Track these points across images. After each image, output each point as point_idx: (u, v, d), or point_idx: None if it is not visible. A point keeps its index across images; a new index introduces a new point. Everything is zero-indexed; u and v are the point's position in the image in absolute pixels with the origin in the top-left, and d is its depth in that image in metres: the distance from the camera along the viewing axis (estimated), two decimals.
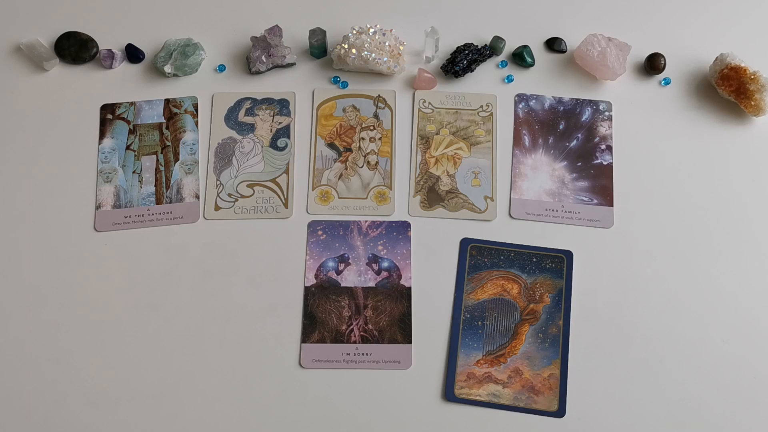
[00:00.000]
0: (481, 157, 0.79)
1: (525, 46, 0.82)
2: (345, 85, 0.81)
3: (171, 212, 0.76)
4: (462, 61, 0.80)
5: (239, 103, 0.81)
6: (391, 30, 0.80)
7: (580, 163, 0.78)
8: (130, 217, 0.76)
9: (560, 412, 0.69)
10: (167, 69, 0.80)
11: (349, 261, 0.74)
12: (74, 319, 0.72)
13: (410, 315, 0.72)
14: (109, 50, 0.82)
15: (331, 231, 0.75)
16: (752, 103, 0.77)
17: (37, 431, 0.68)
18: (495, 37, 0.82)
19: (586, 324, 0.72)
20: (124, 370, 0.70)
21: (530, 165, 0.78)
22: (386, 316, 0.72)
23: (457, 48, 0.81)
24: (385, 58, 0.79)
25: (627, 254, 0.74)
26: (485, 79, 0.82)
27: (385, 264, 0.74)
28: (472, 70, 0.81)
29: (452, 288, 0.73)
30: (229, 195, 0.77)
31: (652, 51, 0.82)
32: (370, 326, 0.72)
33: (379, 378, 0.70)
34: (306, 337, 0.71)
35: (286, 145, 0.79)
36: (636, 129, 0.80)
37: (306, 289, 0.73)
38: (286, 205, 0.76)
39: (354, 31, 0.80)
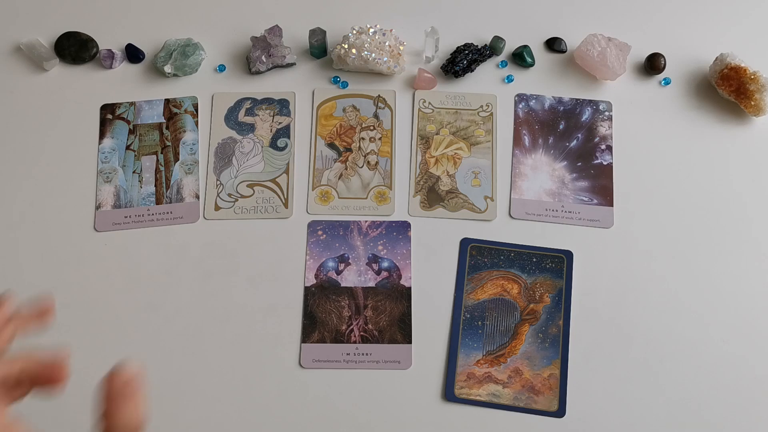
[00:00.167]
0: (481, 157, 0.79)
1: (525, 46, 0.82)
2: (345, 85, 0.81)
3: (171, 212, 0.76)
4: (462, 61, 0.80)
5: (239, 103, 0.80)
6: (391, 30, 0.80)
7: (580, 163, 0.78)
8: (130, 217, 0.76)
9: (560, 412, 0.69)
10: (167, 69, 0.80)
11: (349, 261, 0.74)
12: (74, 319, 0.72)
13: (410, 315, 0.72)
14: (109, 50, 0.82)
15: (331, 231, 0.75)
16: (752, 103, 0.77)
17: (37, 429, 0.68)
18: (495, 37, 0.82)
19: (586, 324, 0.72)
20: None
21: (530, 165, 0.78)
22: (386, 316, 0.72)
23: (457, 48, 0.81)
24: (385, 58, 0.79)
25: (627, 254, 0.74)
26: (485, 79, 0.82)
27: (385, 264, 0.74)
28: (472, 70, 0.81)
29: (452, 288, 0.73)
30: (229, 195, 0.77)
31: (652, 51, 0.82)
32: (370, 326, 0.72)
33: (379, 378, 0.70)
34: (306, 337, 0.71)
35: (286, 145, 0.79)
36: (636, 129, 0.80)
37: (306, 289, 0.73)
38: (286, 205, 0.76)
39: (354, 31, 0.80)
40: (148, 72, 0.82)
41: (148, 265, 0.74)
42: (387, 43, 0.79)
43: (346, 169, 0.78)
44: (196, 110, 0.80)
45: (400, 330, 0.72)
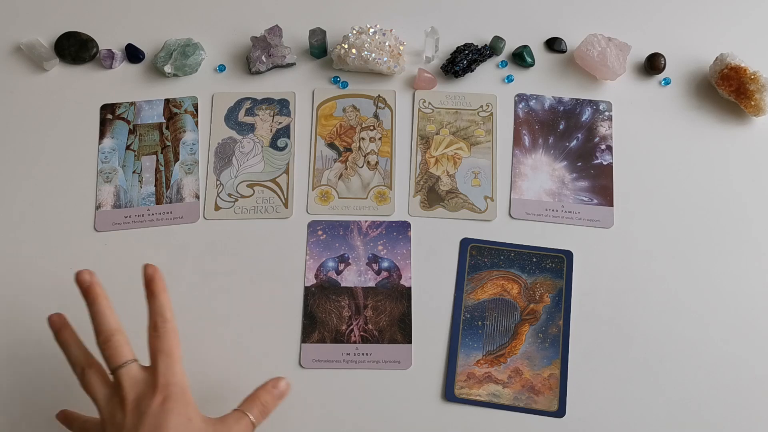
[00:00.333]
0: (481, 157, 0.79)
1: (525, 46, 0.82)
2: (345, 85, 0.81)
3: (171, 212, 0.76)
4: (462, 61, 0.80)
5: (239, 103, 0.81)
6: (391, 30, 0.80)
7: (580, 163, 0.78)
8: (130, 217, 0.76)
9: (560, 412, 0.69)
10: (167, 69, 0.80)
11: (349, 261, 0.74)
12: (74, 319, 0.71)
13: (410, 315, 0.72)
14: (109, 50, 0.82)
15: (331, 231, 0.75)
16: (752, 103, 0.77)
17: (38, 429, 0.68)
18: (495, 37, 0.82)
19: (586, 324, 0.72)
20: None
21: (530, 165, 0.78)
22: (386, 316, 0.72)
23: (457, 48, 0.81)
24: (385, 58, 0.79)
25: (627, 254, 0.74)
26: (485, 79, 0.82)
27: (385, 264, 0.74)
28: (472, 70, 0.81)
29: (452, 288, 0.73)
30: (229, 195, 0.77)
31: (652, 51, 0.82)
32: (370, 326, 0.72)
33: (379, 378, 0.70)
34: (306, 337, 0.71)
35: (286, 145, 0.79)
36: (636, 129, 0.80)
37: (306, 289, 0.73)
38: (286, 205, 0.76)
39: (354, 31, 0.80)
40: (148, 72, 0.82)
41: None
42: (387, 43, 0.79)
43: (346, 169, 0.78)
44: (196, 110, 0.80)
45: (400, 330, 0.72)
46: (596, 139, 0.79)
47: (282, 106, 0.80)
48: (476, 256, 0.74)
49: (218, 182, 0.77)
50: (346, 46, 0.79)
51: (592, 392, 0.70)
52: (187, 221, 0.76)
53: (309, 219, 0.76)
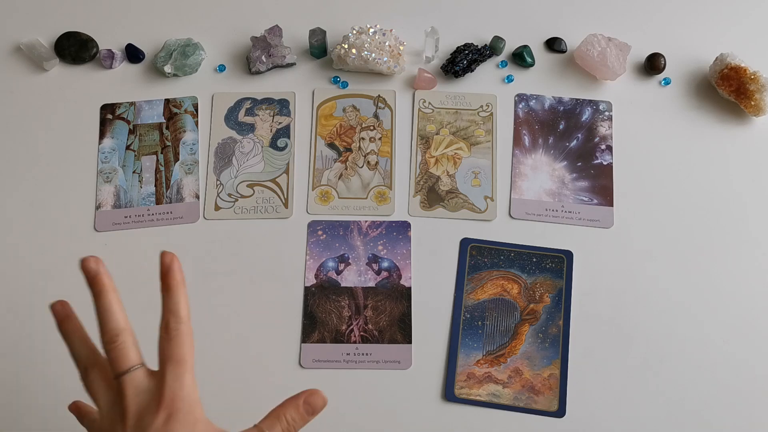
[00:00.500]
0: (481, 157, 0.79)
1: (525, 46, 0.82)
2: (345, 85, 0.81)
3: (171, 212, 0.76)
4: (462, 61, 0.80)
5: (239, 103, 0.81)
6: (391, 30, 0.80)
7: (580, 163, 0.78)
8: (130, 217, 0.76)
9: (560, 412, 0.69)
10: (167, 69, 0.80)
11: (349, 261, 0.74)
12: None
13: (410, 315, 0.72)
14: (109, 50, 0.82)
15: (331, 231, 0.75)
16: (752, 103, 0.77)
17: (38, 429, 0.68)
18: (495, 37, 0.82)
19: (586, 324, 0.72)
20: None
21: (530, 165, 0.78)
22: (386, 316, 0.72)
23: (457, 48, 0.81)
24: (385, 58, 0.79)
25: (627, 254, 0.74)
26: (485, 79, 0.82)
27: (385, 264, 0.74)
28: (472, 70, 0.81)
29: (452, 288, 0.73)
30: (229, 195, 0.77)
31: (652, 51, 0.82)
32: (370, 326, 0.72)
33: (379, 378, 0.70)
34: (306, 337, 0.71)
35: (286, 145, 0.79)
36: (636, 129, 0.80)
37: (306, 289, 0.73)
38: (286, 205, 0.76)
39: (354, 31, 0.80)
40: (148, 72, 0.82)
41: (148, 265, 0.73)
42: (387, 43, 0.79)
43: (346, 169, 0.78)
44: (196, 110, 0.80)
45: (400, 330, 0.72)
46: (596, 139, 0.79)
47: (282, 106, 0.80)
48: (476, 256, 0.74)
49: (218, 182, 0.77)
50: (346, 46, 0.79)
51: (592, 392, 0.70)
52: (187, 221, 0.76)
53: (309, 219, 0.76)
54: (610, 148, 0.79)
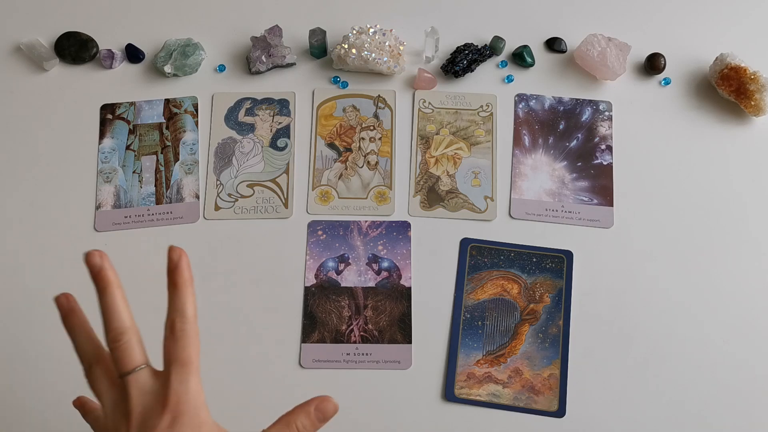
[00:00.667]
0: (481, 157, 0.79)
1: (525, 46, 0.82)
2: (345, 85, 0.81)
3: (171, 212, 0.76)
4: (462, 61, 0.80)
5: (239, 103, 0.81)
6: (391, 30, 0.80)
7: (580, 163, 0.78)
8: (130, 217, 0.76)
9: (560, 412, 0.69)
10: (167, 69, 0.80)
11: (349, 261, 0.74)
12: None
13: (410, 315, 0.72)
14: (109, 50, 0.82)
15: (331, 231, 0.75)
16: (752, 103, 0.77)
17: (37, 430, 0.68)
18: (495, 37, 0.82)
19: (586, 324, 0.72)
20: None
21: (530, 165, 0.78)
22: (386, 316, 0.72)
23: (457, 48, 0.81)
24: (385, 58, 0.79)
25: (627, 254, 0.74)
26: (485, 79, 0.82)
27: (385, 264, 0.74)
28: (472, 70, 0.81)
29: (452, 288, 0.73)
30: (229, 195, 0.77)
31: (652, 51, 0.82)
32: (370, 326, 0.72)
33: (379, 378, 0.70)
34: (306, 337, 0.71)
35: (286, 145, 0.79)
36: (636, 129, 0.80)
37: (306, 289, 0.73)
38: (286, 205, 0.76)
39: (354, 31, 0.80)
40: (148, 72, 0.82)
41: (148, 265, 0.74)
42: (387, 43, 0.79)
43: (346, 169, 0.78)
44: (196, 110, 0.80)
45: (400, 330, 0.72)
46: (596, 139, 0.79)
47: (282, 106, 0.80)
48: (476, 256, 0.74)
49: (218, 182, 0.77)
50: (346, 46, 0.79)
51: (592, 392, 0.70)
52: (187, 221, 0.76)
53: (309, 219, 0.76)
54: (610, 148, 0.79)
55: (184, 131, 0.79)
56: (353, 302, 0.73)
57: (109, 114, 0.80)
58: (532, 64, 0.82)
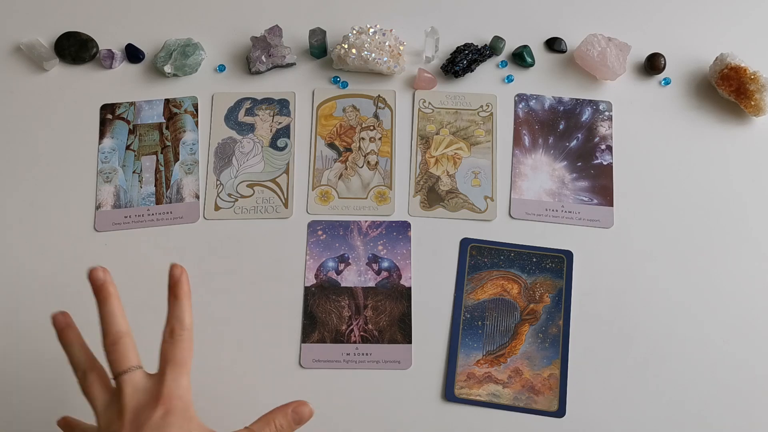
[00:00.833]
0: (481, 157, 0.79)
1: (525, 46, 0.82)
2: (345, 85, 0.81)
3: (171, 212, 0.76)
4: (462, 61, 0.80)
5: (239, 103, 0.81)
6: (391, 30, 0.80)
7: (580, 163, 0.78)
8: (130, 217, 0.76)
9: (560, 412, 0.69)
10: (167, 69, 0.80)
11: (349, 261, 0.74)
12: (74, 319, 0.71)
13: (410, 315, 0.72)
14: (109, 50, 0.82)
15: (331, 231, 0.75)
16: (752, 103, 0.77)
17: (37, 431, 0.68)
18: (495, 37, 0.82)
19: (586, 324, 0.72)
20: None
21: (530, 165, 0.78)
22: (386, 316, 0.72)
23: (457, 48, 0.81)
24: (385, 58, 0.79)
25: (627, 254, 0.74)
26: (485, 79, 0.82)
27: (385, 264, 0.74)
28: (472, 70, 0.81)
29: (452, 288, 0.73)
30: (229, 195, 0.77)
31: (652, 51, 0.82)
32: (370, 326, 0.72)
33: (379, 378, 0.70)
34: (306, 337, 0.71)
35: (286, 145, 0.79)
36: (636, 129, 0.80)
37: (306, 289, 0.73)
38: (286, 205, 0.76)
39: (354, 31, 0.80)
40: (148, 72, 0.82)
41: (148, 265, 0.74)
42: (387, 43, 0.79)
43: (346, 169, 0.78)
44: (196, 110, 0.80)
45: (400, 330, 0.72)
46: (596, 139, 0.79)
47: (282, 106, 0.80)
48: (476, 256, 0.74)
49: (218, 182, 0.77)
50: (346, 46, 0.79)
51: (592, 392, 0.70)
52: (187, 221, 0.76)
53: (309, 219, 0.76)
54: (610, 148, 0.79)
55: (184, 131, 0.79)
56: (353, 302, 0.73)
57: (109, 114, 0.80)
58: (532, 64, 0.82)
